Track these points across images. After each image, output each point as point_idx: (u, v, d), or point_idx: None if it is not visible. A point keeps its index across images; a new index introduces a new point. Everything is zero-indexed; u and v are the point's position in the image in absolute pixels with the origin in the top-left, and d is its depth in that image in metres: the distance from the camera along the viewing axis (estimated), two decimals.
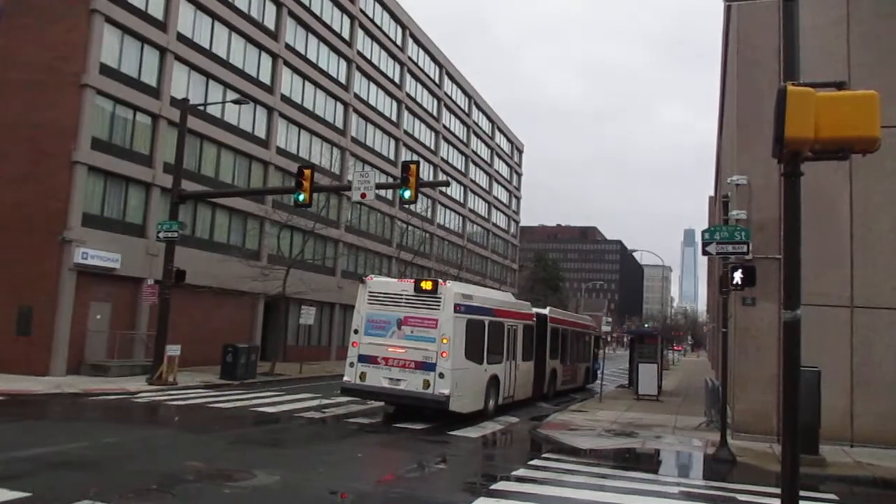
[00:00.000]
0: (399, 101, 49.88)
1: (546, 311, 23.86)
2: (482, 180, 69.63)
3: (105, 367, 23.37)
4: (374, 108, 45.91)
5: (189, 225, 28.19)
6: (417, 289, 16.12)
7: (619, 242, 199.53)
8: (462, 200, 63.34)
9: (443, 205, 58.03)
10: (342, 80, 41.99)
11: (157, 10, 27.50)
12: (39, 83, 24.21)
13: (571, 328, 27.05)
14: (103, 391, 19.27)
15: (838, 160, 5.97)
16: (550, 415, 18.94)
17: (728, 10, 17.49)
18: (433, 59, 56.86)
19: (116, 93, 25.37)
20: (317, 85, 39.08)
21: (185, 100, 25.09)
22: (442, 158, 57.92)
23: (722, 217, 14.50)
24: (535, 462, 12.01)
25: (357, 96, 43.53)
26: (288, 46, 36.22)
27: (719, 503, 9.47)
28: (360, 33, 43.97)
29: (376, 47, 46.52)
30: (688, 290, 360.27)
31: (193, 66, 29.49)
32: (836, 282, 14.59)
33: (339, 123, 41.56)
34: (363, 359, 16.15)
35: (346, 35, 42.38)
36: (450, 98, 60.60)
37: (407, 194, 18.71)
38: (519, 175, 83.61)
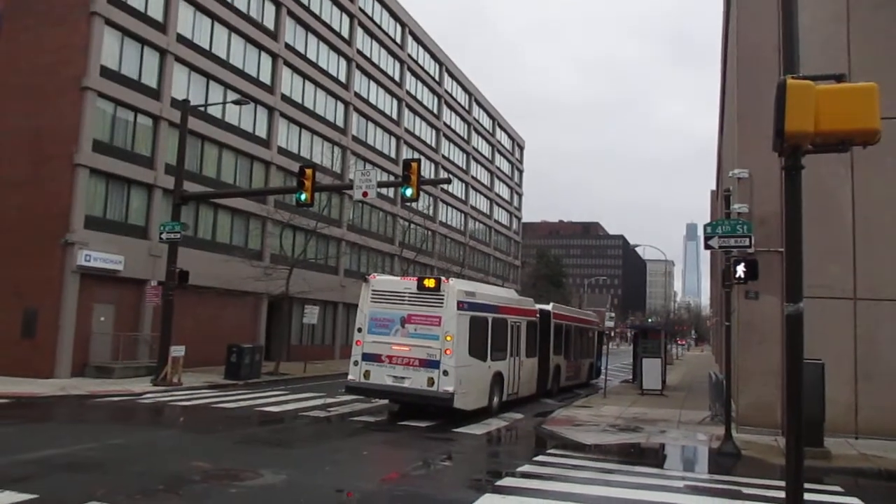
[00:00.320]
0: (399, 100, 49.89)
1: (549, 306, 23.83)
2: (484, 177, 69.64)
3: (109, 369, 23.43)
4: (374, 107, 45.92)
5: (191, 226, 28.27)
6: (420, 287, 16.12)
7: (622, 237, 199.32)
8: (464, 198, 63.35)
9: (444, 202, 58.09)
10: (342, 79, 42.01)
11: (156, 12, 27.54)
12: (40, 86, 24.29)
13: (575, 324, 27.00)
14: (108, 393, 19.33)
15: (838, 153, 5.96)
16: (555, 411, 18.91)
17: (728, 3, 17.47)
18: (433, 56, 56.84)
19: (117, 95, 25.41)
20: (317, 84, 39.10)
21: (186, 101, 25.11)
22: (443, 156, 57.95)
23: (724, 211, 14.46)
24: (540, 458, 12.01)
25: (357, 95, 43.54)
26: (288, 46, 36.23)
27: (725, 497, 9.46)
28: (359, 32, 43.98)
29: (376, 46, 46.52)
30: (691, 284, 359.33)
31: (193, 67, 29.53)
32: (839, 274, 14.56)
33: (340, 122, 41.60)
34: (367, 357, 16.17)
35: (345, 34, 42.38)
36: (450, 95, 60.59)
37: (408, 192, 18.71)
38: (520, 171, 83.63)
